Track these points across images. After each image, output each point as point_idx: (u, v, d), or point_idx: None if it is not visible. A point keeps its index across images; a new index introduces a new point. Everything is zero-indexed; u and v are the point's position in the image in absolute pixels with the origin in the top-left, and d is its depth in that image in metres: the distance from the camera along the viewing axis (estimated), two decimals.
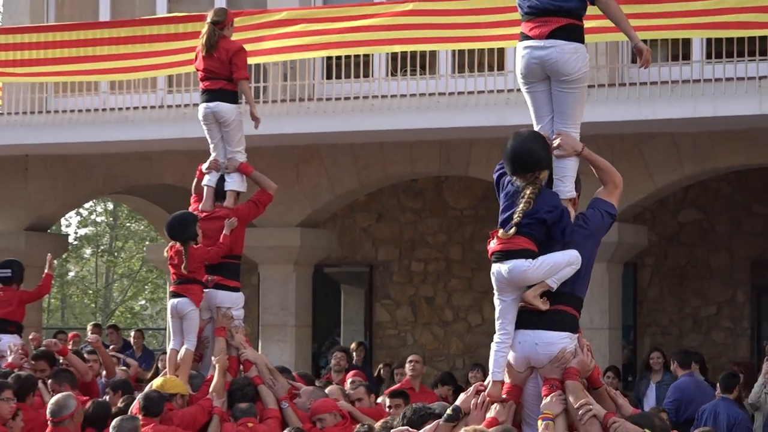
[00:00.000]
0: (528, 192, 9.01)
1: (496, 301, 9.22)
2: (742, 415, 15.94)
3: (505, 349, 9.12)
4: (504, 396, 9.16)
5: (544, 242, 9.12)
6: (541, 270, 9.03)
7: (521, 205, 8.99)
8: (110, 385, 14.91)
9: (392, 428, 9.80)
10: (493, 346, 9.13)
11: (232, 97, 14.30)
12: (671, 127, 19.01)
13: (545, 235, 9.12)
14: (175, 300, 13.71)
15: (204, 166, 14.40)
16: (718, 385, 16.36)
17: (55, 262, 20.19)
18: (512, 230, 8.98)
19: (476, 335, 24.24)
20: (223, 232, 13.91)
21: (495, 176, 9.46)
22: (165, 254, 14.14)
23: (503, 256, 9.08)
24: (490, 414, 9.19)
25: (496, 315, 9.21)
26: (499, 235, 9.07)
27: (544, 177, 9.17)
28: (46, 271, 17.21)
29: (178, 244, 13.58)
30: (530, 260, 9.00)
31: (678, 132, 19.29)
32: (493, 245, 9.11)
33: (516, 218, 8.99)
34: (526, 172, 9.10)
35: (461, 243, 24.90)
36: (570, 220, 9.21)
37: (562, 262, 9.09)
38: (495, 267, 9.12)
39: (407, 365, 17.37)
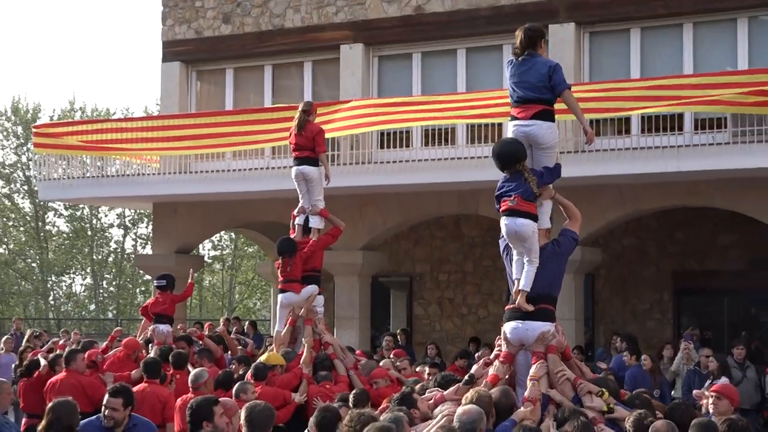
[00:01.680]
0: (527, 175, 9.32)
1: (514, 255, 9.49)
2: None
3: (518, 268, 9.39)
4: (502, 360, 9.22)
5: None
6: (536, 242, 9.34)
7: (532, 185, 9.31)
8: (236, 358, 14.97)
9: (427, 389, 9.80)
10: (523, 271, 9.39)
11: (315, 163, 14.49)
12: (617, 180, 18.94)
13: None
14: (283, 294, 14.24)
15: (295, 211, 14.68)
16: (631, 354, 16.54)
17: (196, 274, 20.30)
18: (535, 199, 9.35)
19: (483, 324, 24.12)
20: (311, 240, 14.47)
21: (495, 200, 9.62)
22: (275, 265, 14.40)
23: (516, 213, 9.28)
24: (492, 371, 9.22)
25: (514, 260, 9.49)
26: (512, 199, 9.32)
27: (527, 166, 9.42)
28: (189, 280, 17.39)
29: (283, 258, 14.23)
30: (535, 225, 9.31)
31: (621, 183, 19.22)
32: (511, 204, 9.31)
33: (536, 191, 9.32)
34: (513, 164, 9.35)
35: (473, 261, 24.80)
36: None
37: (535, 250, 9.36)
38: (506, 220, 9.36)
39: None
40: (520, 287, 9.30)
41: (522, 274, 9.35)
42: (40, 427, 8.29)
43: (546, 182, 9.52)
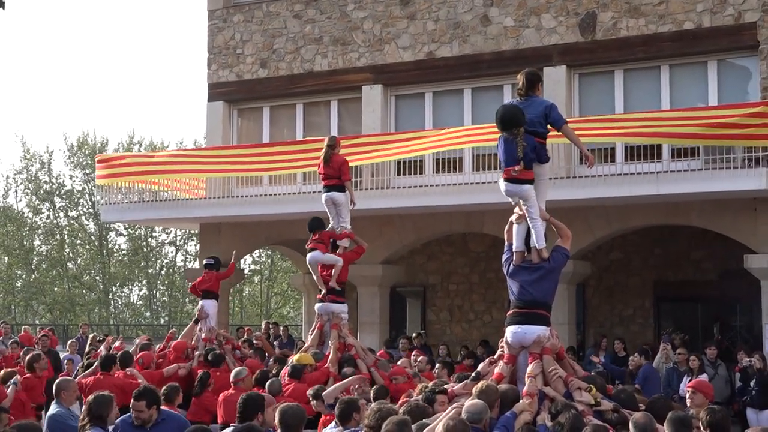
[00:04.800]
0: (519, 140, 9.32)
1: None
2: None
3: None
4: (506, 361, 9.18)
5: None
6: (535, 203, 9.47)
7: (519, 151, 9.34)
8: (273, 359, 15.08)
9: (443, 383, 9.85)
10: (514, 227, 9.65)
11: (342, 189, 14.54)
12: (604, 202, 18.90)
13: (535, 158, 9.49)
14: (311, 253, 14.53)
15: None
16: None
17: (238, 285, 20.26)
18: (522, 164, 9.34)
19: (488, 328, 24.04)
20: (343, 252, 14.76)
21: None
22: (306, 247, 14.63)
23: (517, 181, 9.41)
24: (497, 370, 9.23)
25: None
26: (516, 169, 9.36)
27: (522, 131, 9.38)
28: (232, 261, 17.69)
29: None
30: (532, 187, 9.44)
31: (608, 205, 19.18)
32: (515, 173, 9.38)
33: (521, 155, 9.32)
34: (512, 128, 9.38)
35: (478, 273, 24.76)
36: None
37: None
38: (507, 185, 9.48)
39: None
40: (536, 245, 9.44)
41: (532, 235, 9.48)
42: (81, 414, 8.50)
43: (537, 159, 9.60)
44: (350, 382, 11.06)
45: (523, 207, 9.50)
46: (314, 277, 14.86)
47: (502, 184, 9.52)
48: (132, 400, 8.61)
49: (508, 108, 9.60)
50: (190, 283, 18.34)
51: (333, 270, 14.44)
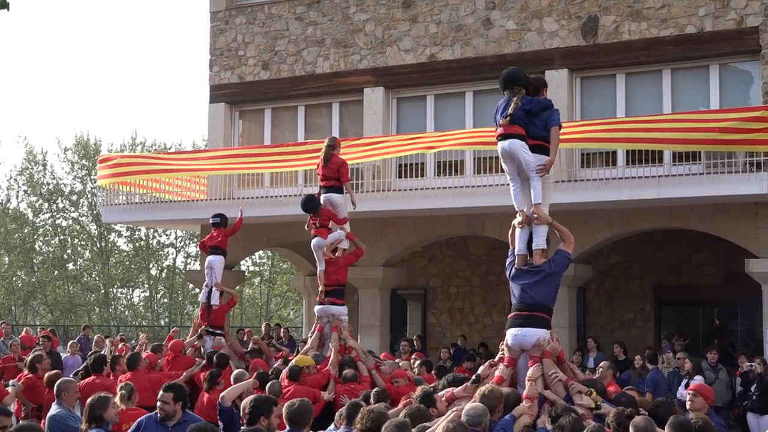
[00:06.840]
0: (515, 99, 9.41)
1: (511, 185, 9.72)
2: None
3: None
4: (506, 364, 9.21)
5: (528, 127, 9.43)
6: (528, 154, 9.38)
7: (512, 105, 9.39)
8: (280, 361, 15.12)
9: (439, 389, 9.82)
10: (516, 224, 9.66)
11: (340, 190, 14.56)
12: (605, 206, 18.88)
13: (529, 121, 9.39)
14: (314, 239, 14.53)
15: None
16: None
17: (237, 287, 20.24)
18: (508, 118, 9.35)
19: (489, 331, 24.06)
20: (342, 254, 14.78)
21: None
22: (306, 228, 14.70)
23: (506, 136, 9.40)
24: (497, 373, 9.22)
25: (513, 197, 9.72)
26: (500, 122, 9.42)
27: (523, 92, 9.47)
28: (239, 216, 17.98)
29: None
30: (523, 143, 9.35)
31: (609, 209, 19.17)
32: (500, 128, 9.44)
33: (510, 111, 9.36)
34: (512, 86, 9.50)
35: (479, 276, 24.77)
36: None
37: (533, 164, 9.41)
38: (500, 143, 9.47)
39: None
40: (535, 202, 9.45)
41: (531, 194, 9.48)
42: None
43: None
44: (249, 385, 11.04)
45: (523, 166, 9.43)
46: (317, 271, 14.83)
47: (502, 142, 9.51)
48: (161, 391, 8.64)
49: (511, 68, 9.74)
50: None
51: (337, 252, 14.65)
